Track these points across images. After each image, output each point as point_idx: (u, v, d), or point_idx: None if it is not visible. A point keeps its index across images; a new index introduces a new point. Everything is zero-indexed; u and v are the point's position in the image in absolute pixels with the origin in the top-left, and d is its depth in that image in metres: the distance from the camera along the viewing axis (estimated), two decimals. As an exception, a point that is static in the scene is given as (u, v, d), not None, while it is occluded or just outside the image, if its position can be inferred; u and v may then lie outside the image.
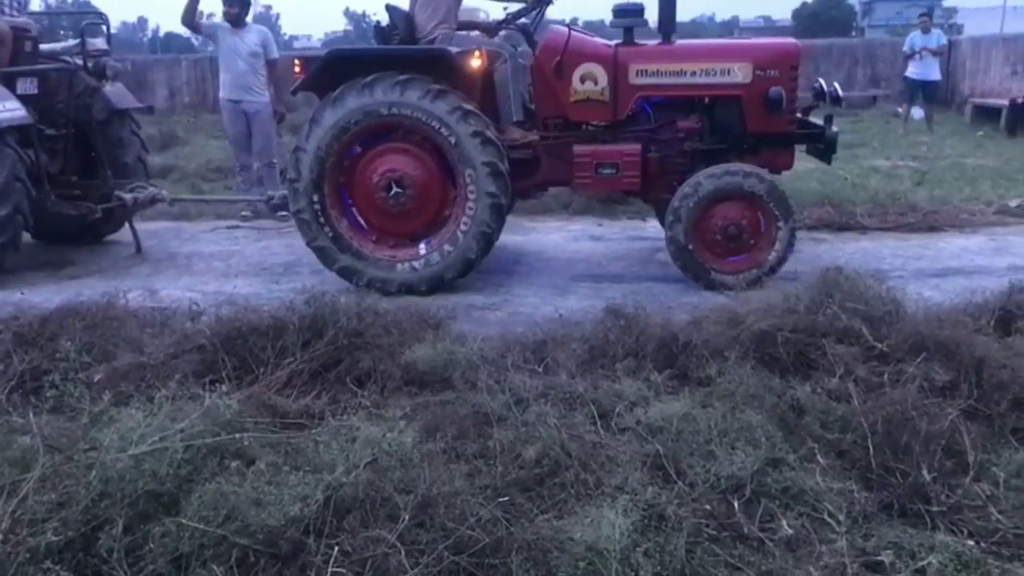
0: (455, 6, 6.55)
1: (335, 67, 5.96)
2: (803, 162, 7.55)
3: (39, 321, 4.56)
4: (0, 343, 4.28)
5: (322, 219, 5.99)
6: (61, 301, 5.09)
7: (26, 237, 6.98)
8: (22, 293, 6.06)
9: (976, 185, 9.43)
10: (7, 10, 7.29)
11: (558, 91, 6.08)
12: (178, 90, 20.03)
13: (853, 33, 46.07)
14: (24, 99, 6.72)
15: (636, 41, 6.14)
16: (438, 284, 5.99)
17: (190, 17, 8.53)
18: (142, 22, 72.20)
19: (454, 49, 5.99)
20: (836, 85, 6.44)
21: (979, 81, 17.10)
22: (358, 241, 6.07)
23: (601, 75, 6.02)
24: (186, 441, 2.83)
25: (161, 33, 65.88)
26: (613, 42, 6.18)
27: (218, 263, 6.99)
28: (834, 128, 6.22)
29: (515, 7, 6.41)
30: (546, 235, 7.88)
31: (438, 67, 5.87)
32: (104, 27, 7.97)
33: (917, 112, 15.24)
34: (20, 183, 6.40)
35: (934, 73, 14.93)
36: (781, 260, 5.87)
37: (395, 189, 5.94)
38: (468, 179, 5.84)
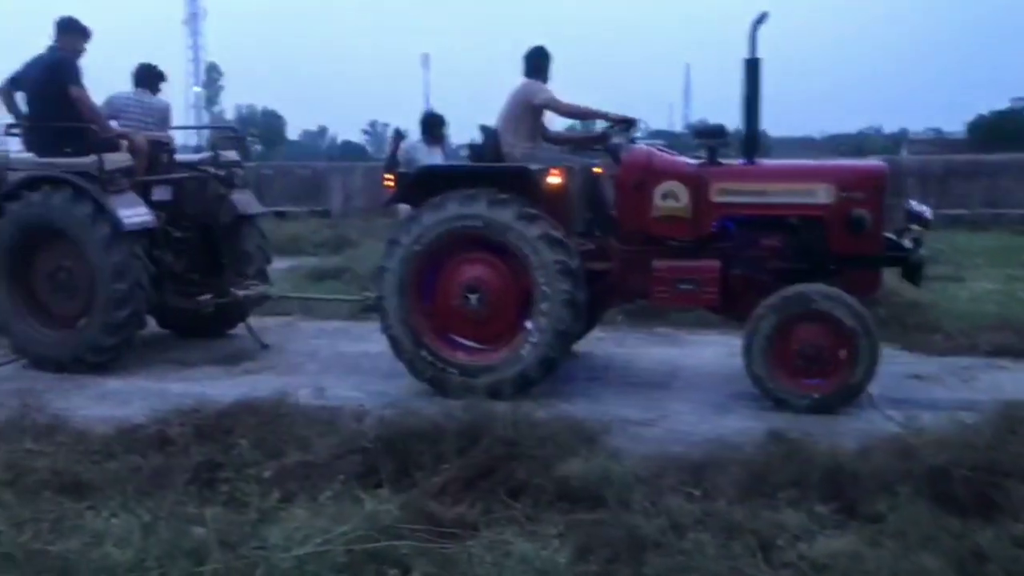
0: (538, 124, 6.99)
1: (425, 182, 6.33)
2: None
3: (216, 415, 4.85)
4: (181, 436, 4.57)
5: (424, 354, 6.20)
6: (237, 396, 5.41)
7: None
8: (202, 387, 6.46)
9: None
10: (148, 126, 7.93)
11: (640, 206, 6.23)
12: (353, 195, 21.16)
13: (1035, 146, 43.78)
14: (158, 205, 7.36)
15: (719, 160, 6.28)
16: (524, 385, 5.99)
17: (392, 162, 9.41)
18: (322, 130, 77.06)
19: (533, 166, 6.26)
20: (926, 207, 6.33)
21: None
22: (447, 353, 6.23)
23: (683, 193, 6.14)
24: (347, 545, 2.91)
25: (339, 141, 70.12)
26: (695, 161, 6.33)
27: (383, 364, 7.20)
28: (921, 251, 6.09)
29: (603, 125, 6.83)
30: (705, 348, 7.74)
31: (519, 183, 6.14)
32: (238, 140, 8.63)
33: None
34: (141, 289, 6.91)
35: None
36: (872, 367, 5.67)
37: (474, 297, 6.13)
38: (541, 279, 5.97)
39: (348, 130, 75.59)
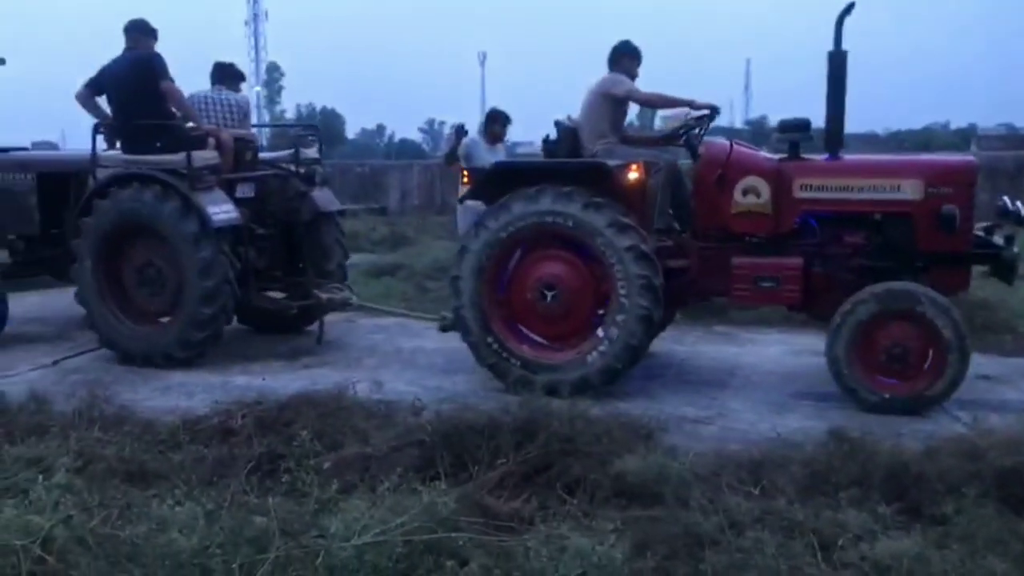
0: (619, 120, 6.92)
1: (500, 178, 6.28)
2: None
3: (278, 407, 4.93)
4: (243, 427, 4.66)
5: (490, 340, 6.17)
6: (297, 388, 5.50)
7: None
8: (263, 379, 6.58)
9: None
10: (231, 123, 8.10)
11: (719, 202, 6.13)
12: (409, 192, 21.37)
13: (1112, 142, 42.28)
14: (241, 201, 7.45)
15: (802, 156, 6.13)
16: (582, 389, 5.86)
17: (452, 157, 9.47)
18: (380, 128, 77.82)
19: (611, 162, 6.16)
20: (1020, 204, 6.07)
21: None
22: (512, 344, 6.20)
23: (764, 188, 6.03)
24: (405, 536, 2.94)
25: (396, 139, 70.83)
26: (777, 156, 6.18)
27: (439, 359, 7.27)
28: (1015, 248, 5.87)
29: (679, 123, 6.66)
30: (765, 348, 7.65)
31: (595, 179, 6.05)
32: (315, 139, 8.70)
33: None
34: (228, 285, 7.01)
35: None
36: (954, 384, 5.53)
37: (550, 294, 6.09)
38: (621, 290, 5.89)
39: (406, 128, 76.12)
